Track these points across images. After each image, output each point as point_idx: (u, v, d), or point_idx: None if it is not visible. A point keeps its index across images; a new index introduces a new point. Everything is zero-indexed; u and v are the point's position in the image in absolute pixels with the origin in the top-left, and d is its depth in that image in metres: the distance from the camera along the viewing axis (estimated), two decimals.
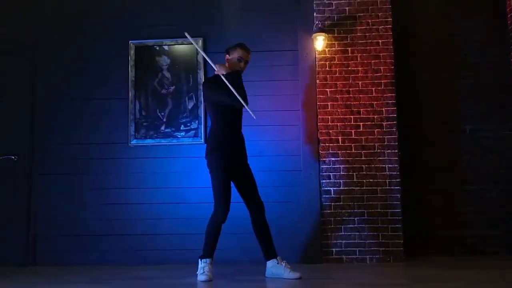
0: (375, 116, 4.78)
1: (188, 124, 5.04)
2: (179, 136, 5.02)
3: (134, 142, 5.03)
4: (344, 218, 4.69)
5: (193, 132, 5.04)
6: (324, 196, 4.75)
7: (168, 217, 4.89)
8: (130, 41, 5.12)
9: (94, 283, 3.79)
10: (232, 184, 3.91)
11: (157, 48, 5.14)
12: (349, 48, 4.89)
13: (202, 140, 4.94)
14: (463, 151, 5.21)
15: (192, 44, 5.07)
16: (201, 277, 3.73)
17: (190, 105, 5.05)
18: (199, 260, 3.83)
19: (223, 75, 3.86)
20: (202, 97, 4.93)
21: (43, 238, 4.95)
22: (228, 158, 3.85)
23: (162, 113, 5.08)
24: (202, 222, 4.73)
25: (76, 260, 4.84)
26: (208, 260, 3.80)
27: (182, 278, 3.95)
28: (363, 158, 4.75)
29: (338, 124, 4.81)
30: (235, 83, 3.82)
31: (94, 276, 4.17)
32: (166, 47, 5.14)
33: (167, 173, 4.97)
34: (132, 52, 5.12)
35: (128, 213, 4.93)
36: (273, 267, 3.82)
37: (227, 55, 4.02)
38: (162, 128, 5.06)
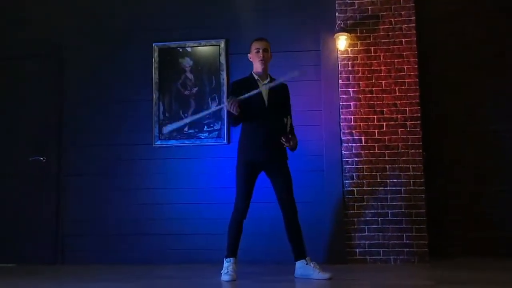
0: (399, 116, 4.74)
1: (211, 125, 5.08)
2: (202, 137, 5.06)
3: (158, 143, 5.10)
4: (367, 218, 4.67)
5: (216, 133, 5.08)
6: (347, 196, 4.73)
7: (192, 217, 4.95)
8: (153, 44, 5.18)
9: (122, 282, 3.86)
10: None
11: (180, 50, 5.20)
12: (372, 48, 4.85)
13: (225, 141, 4.99)
14: (488, 151, 5.12)
15: (214, 46, 5.14)
16: (224, 276, 3.77)
17: (213, 106, 5.07)
18: (224, 259, 3.87)
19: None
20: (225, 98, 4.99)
21: (72, 238, 5.07)
22: (250, 156, 3.87)
23: (186, 114, 5.12)
24: (226, 222, 4.76)
25: (103, 259, 4.94)
26: (231, 259, 3.83)
27: (206, 278, 4.00)
28: (386, 158, 4.71)
29: (361, 124, 4.78)
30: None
31: (122, 275, 4.24)
32: (189, 49, 5.19)
33: (190, 173, 5.02)
34: (155, 54, 5.19)
35: (153, 213, 5.01)
36: (301, 267, 3.82)
37: (249, 55, 4.07)
38: (186, 129, 5.10)
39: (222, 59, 5.10)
